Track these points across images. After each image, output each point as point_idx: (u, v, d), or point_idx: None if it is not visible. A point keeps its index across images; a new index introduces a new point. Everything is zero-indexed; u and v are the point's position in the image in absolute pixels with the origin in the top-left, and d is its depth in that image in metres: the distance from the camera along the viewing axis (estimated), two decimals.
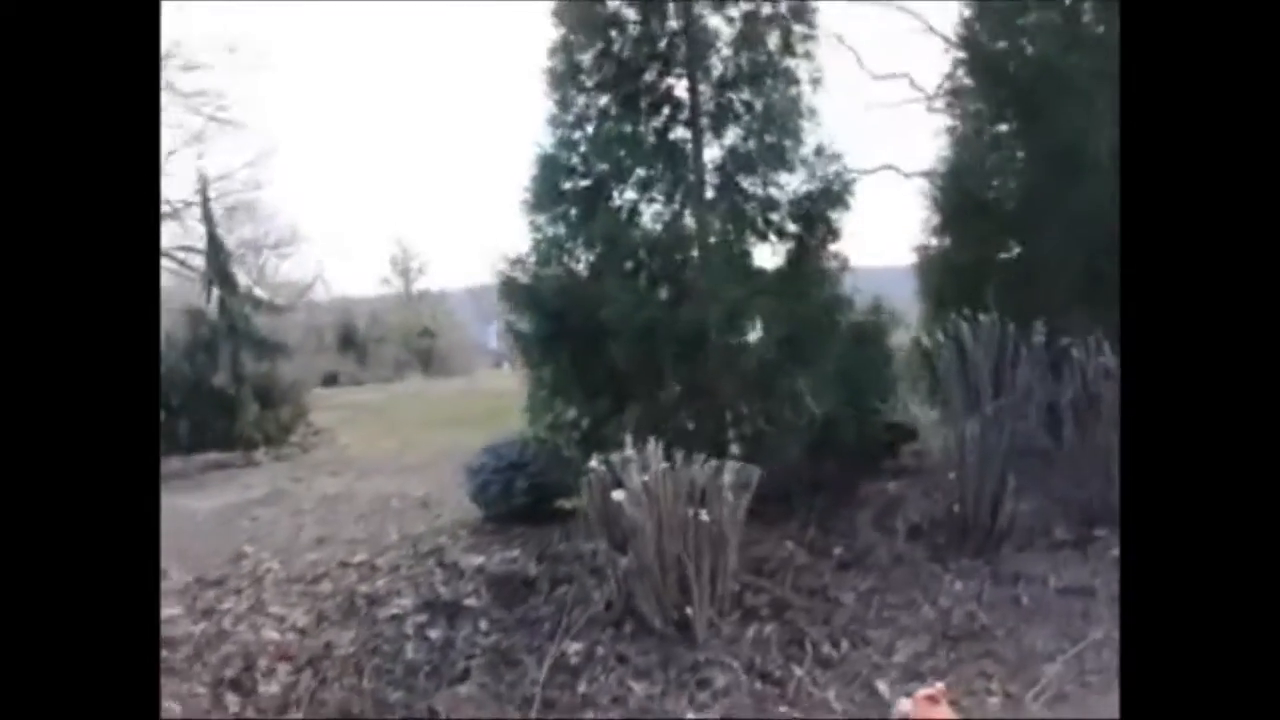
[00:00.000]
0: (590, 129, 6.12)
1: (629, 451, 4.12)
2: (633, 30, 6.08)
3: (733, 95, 6.15)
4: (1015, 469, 5.59)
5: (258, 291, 10.72)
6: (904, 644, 3.87)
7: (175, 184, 18.60)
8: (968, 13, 7.10)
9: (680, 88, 6.14)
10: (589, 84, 6.14)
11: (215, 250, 9.95)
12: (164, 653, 4.15)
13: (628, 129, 6.12)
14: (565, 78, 6.09)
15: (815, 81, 6.18)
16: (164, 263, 16.47)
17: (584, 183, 6.08)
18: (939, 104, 7.63)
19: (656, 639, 3.97)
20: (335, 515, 7.15)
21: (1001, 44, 7.03)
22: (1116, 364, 5.19)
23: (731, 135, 6.22)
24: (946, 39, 7.32)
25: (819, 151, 6.28)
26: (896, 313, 9.19)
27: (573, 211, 6.05)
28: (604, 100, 6.15)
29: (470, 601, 4.63)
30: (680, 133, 6.17)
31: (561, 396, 6.04)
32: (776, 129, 6.11)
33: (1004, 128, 7.23)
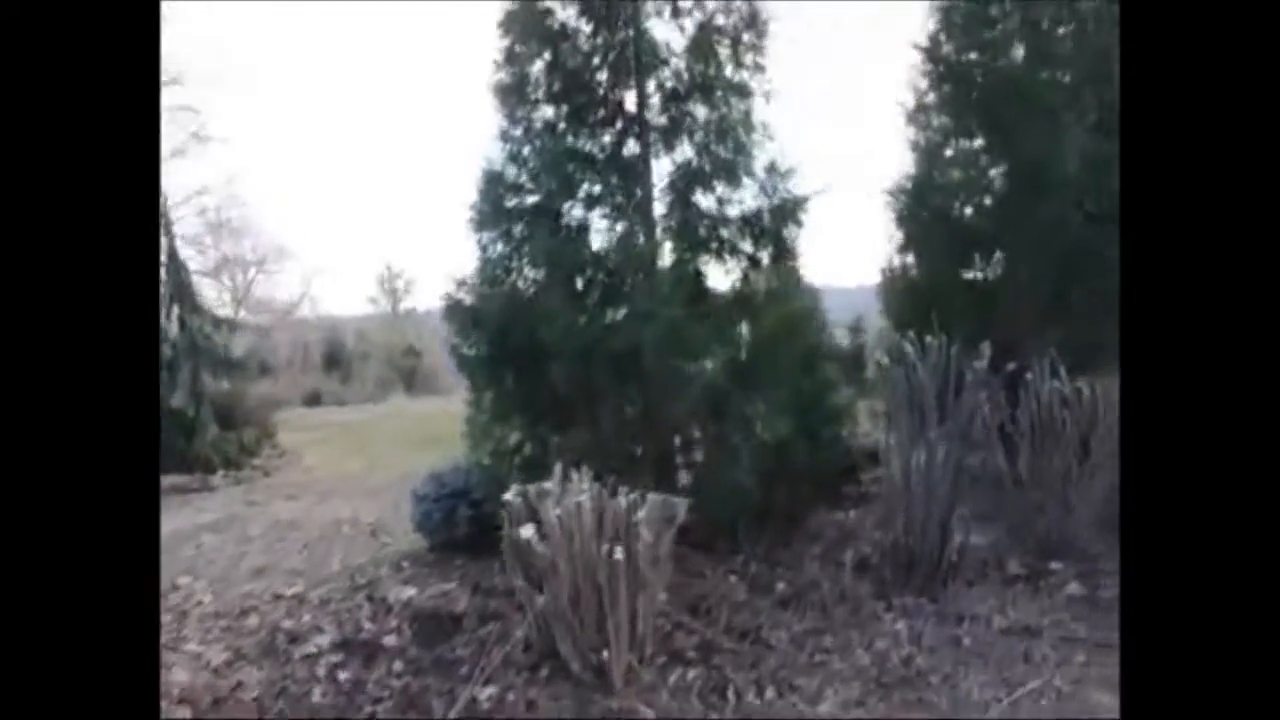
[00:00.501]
0: (538, 143, 5.95)
1: (547, 483, 3.92)
2: (581, 42, 5.93)
3: (683, 108, 5.99)
4: (970, 499, 5.41)
5: (223, 310, 10.52)
6: (833, 691, 3.63)
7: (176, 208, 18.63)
8: (933, 24, 6.95)
9: (630, 101, 5.99)
10: (536, 97, 5.99)
11: (176, 267, 9.78)
12: None
13: (575, 143, 5.96)
14: (512, 90, 5.94)
15: (767, 94, 6.02)
16: None
17: (531, 199, 5.90)
18: (917, 119, 7.39)
19: (572, 684, 3.75)
20: (283, 543, 6.93)
21: (968, 56, 6.87)
22: (1071, 388, 5.01)
23: (682, 150, 6.05)
24: (919, 49, 7.12)
25: (771, 168, 6.11)
26: (882, 332, 8.99)
27: (518, 229, 5.87)
28: (551, 113, 6.00)
29: (390, 640, 4.40)
30: (630, 147, 6.00)
31: (504, 421, 5.85)
32: (728, 144, 5.94)
33: (973, 143, 7.07)
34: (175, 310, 9.52)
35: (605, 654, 3.69)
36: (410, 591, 5.14)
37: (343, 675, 4.05)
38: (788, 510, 5.74)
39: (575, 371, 5.38)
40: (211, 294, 23.34)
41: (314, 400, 21.71)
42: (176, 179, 19.15)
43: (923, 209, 6.94)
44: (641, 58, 5.85)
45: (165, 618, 5.17)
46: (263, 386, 19.53)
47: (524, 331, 5.57)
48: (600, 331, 5.36)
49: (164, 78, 16.95)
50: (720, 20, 5.88)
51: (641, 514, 3.69)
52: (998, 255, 6.71)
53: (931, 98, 7.02)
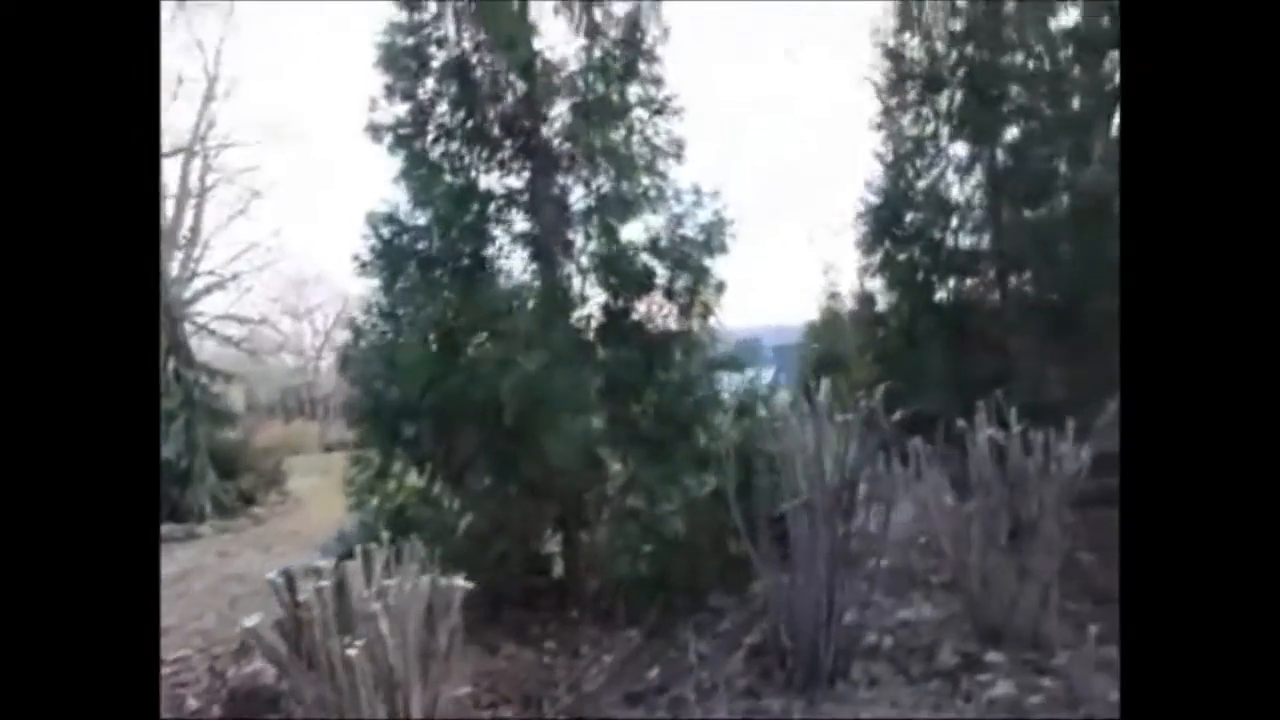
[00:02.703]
0: (436, 181, 5.51)
1: (321, 561, 3.41)
2: (480, 72, 5.51)
3: (589, 131, 5.44)
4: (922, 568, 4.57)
5: (214, 362, 10.64)
6: None
7: (217, 255, 19.69)
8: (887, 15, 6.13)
9: (532, 130, 5.51)
10: (434, 133, 5.58)
11: (171, 321, 9.95)
12: None
13: (476, 177, 5.55)
14: (408, 125, 5.55)
15: (677, 112, 5.41)
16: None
17: (426, 241, 5.47)
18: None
19: None
20: (212, 600, 6.70)
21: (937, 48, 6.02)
22: (1018, 441, 4.13)
23: (589, 179, 5.52)
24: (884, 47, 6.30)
25: (695, 191, 5.51)
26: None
27: (415, 272, 5.45)
28: (448, 150, 5.57)
29: None
30: (537, 179, 5.51)
31: (387, 478, 5.39)
32: (639, 168, 5.37)
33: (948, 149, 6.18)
34: (170, 363, 9.66)
35: None
36: (261, 665, 4.71)
37: None
38: (690, 582, 4.96)
39: (443, 425, 4.89)
40: (297, 339, 24.47)
41: None
42: (234, 234, 20.18)
43: (892, 228, 6.08)
44: (543, 85, 5.39)
45: None
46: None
47: (406, 383, 5.13)
48: (465, 381, 4.83)
49: (225, 140, 18.02)
50: (613, 32, 5.34)
51: (378, 605, 3.11)
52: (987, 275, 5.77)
53: (894, 101, 6.16)
